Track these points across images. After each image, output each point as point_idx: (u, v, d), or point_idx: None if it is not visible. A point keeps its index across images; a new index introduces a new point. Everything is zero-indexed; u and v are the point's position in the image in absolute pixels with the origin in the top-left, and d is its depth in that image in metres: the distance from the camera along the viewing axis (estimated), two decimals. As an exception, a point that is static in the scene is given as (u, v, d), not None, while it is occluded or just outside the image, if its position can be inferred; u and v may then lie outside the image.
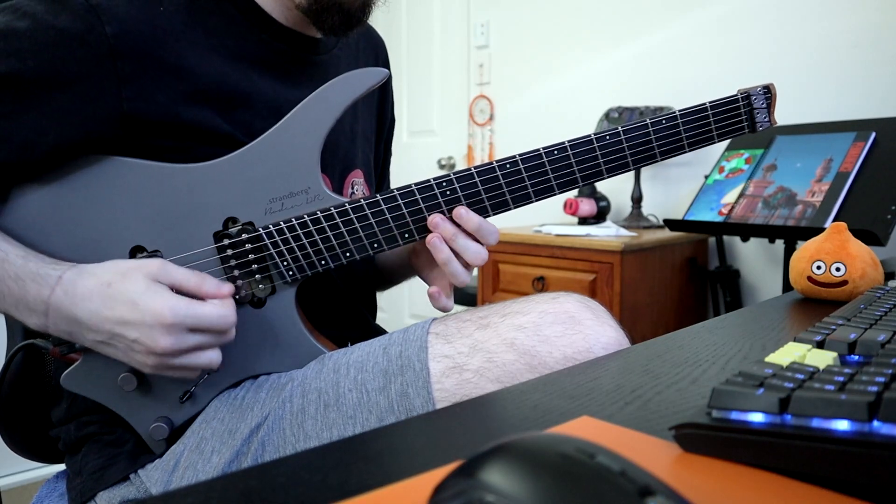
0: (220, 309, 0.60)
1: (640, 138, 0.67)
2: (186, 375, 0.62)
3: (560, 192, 0.67)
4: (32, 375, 0.76)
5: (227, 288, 0.62)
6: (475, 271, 2.09)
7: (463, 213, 0.66)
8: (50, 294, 0.58)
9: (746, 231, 1.53)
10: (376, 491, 0.30)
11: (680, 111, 0.67)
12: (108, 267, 0.60)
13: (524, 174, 0.66)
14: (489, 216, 0.67)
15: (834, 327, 0.47)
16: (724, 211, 1.55)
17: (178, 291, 0.60)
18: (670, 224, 1.66)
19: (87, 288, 0.58)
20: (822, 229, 0.76)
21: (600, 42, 2.31)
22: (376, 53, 0.91)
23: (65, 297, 0.58)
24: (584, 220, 2.03)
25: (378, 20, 0.81)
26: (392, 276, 0.91)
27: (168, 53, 0.63)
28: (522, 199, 0.67)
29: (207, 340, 0.60)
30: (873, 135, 1.45)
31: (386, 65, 0.92)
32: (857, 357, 0.42)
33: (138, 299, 0.57)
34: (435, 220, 0.66)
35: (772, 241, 1.74)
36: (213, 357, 0.61)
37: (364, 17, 0.71)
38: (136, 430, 0.67)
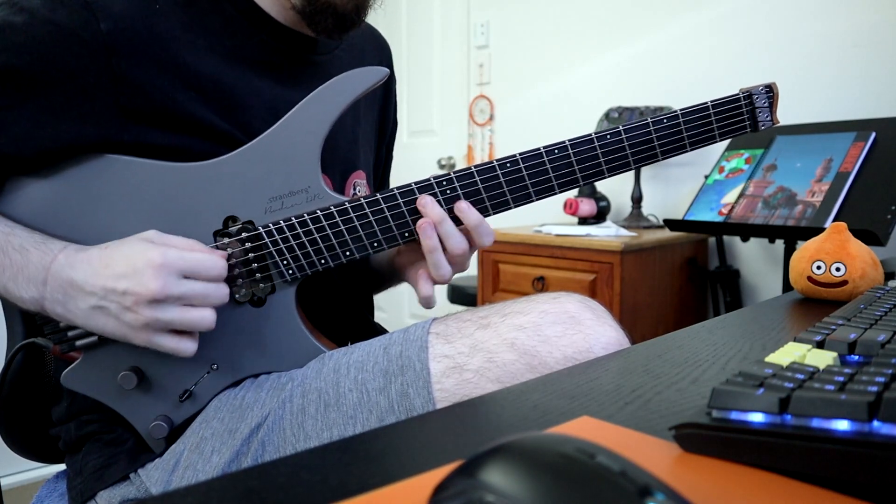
0: (211, 255, 0.61)
1: (642, 137, 0.66)
2: (180, 347, 0.60)
3: (560, 192, 0.67)
4: (33, 375, 0.76)
5: (220, 252, 0.63)
6: (474, 270, 2.09)
7: (465, 207, 0.66)
8: (52, 260, 0.59)
9: (746, 231, 1.53)
10: (376, 491, 0.30)
11: (681, 110, 0.66)
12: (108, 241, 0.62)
13: (525, 173, 0.66)
14: (489, 215, 0.67)
15: (834, 327, 0.47)
16: (724, 211, 1.55)
17: None
18: (670, 224, 1.66)
19: (88, 253, 0.60)
20: (822, 229, 0.75)
21: (600, 42, 2.31)
22: (380, 55, 0.90)
23: (65, 262, 0.59)
24: (584, 220, 2.03)
25: (378, 20, 0.81)
26: (381, 280, 0.90)
27: (164, 52, 0.63)
28: (523, 199, 0.67)
29: (199, 290, 0.60)
30: (873, 135, 1.45)
31: (389, 67, 0.92)
32: (857, 357, 0.42)
33: (131, 252, 0.59)
34: (424, 199, 0.65)
35: (772, 241, 1.74)
36: (205, 315, 0.60)
37: (358, 19, 0.71)
38: (136, 428, 0.67)
